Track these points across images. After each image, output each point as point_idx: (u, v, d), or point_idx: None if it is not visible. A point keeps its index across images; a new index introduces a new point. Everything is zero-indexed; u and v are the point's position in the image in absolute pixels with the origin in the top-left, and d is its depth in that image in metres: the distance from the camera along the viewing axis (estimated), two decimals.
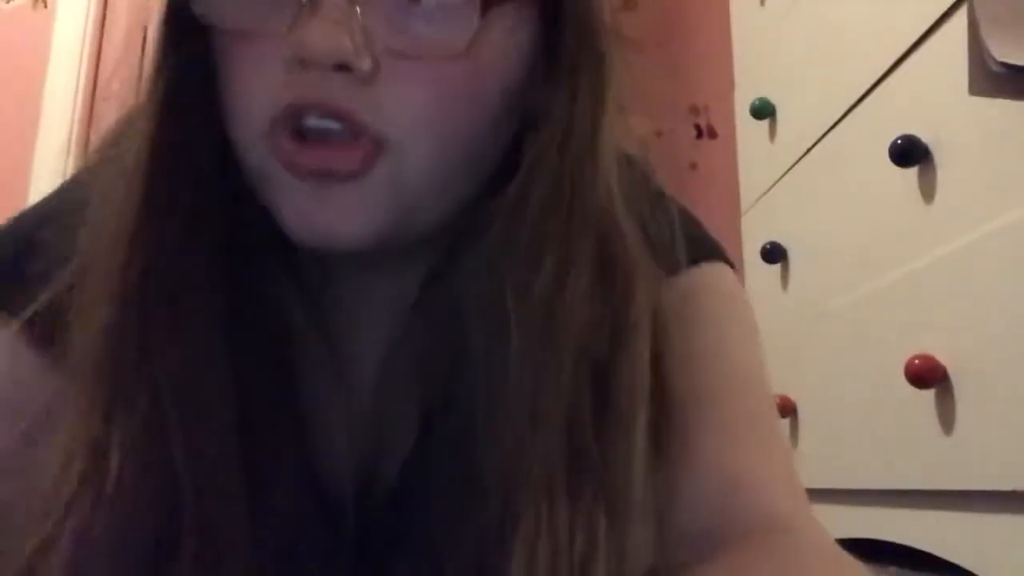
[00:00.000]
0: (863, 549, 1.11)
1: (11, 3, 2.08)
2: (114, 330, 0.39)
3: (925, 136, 0.93)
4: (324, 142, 0.37)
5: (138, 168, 0.40)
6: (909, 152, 0.93)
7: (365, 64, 0.36)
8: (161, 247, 0.40)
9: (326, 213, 0.38)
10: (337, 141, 0.37)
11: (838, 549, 0.45)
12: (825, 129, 1.20)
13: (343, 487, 0.46)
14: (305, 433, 0.45)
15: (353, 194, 0.38)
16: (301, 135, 0.37)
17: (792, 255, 1.32)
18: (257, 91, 0.38)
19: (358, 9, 0.36)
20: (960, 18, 0.85)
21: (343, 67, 0.36)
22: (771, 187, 1.41)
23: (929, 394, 0.90)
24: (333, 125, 0.37)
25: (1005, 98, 0.74)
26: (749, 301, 0.56)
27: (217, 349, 0.40)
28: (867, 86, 1.07)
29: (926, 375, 0.88)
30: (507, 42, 0.40)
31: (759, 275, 1.42)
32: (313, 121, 0.37)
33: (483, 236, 0.42)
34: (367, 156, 0.37)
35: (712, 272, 0.53)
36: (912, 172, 0.95)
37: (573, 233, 0.40)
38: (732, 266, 0.56)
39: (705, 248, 0.54)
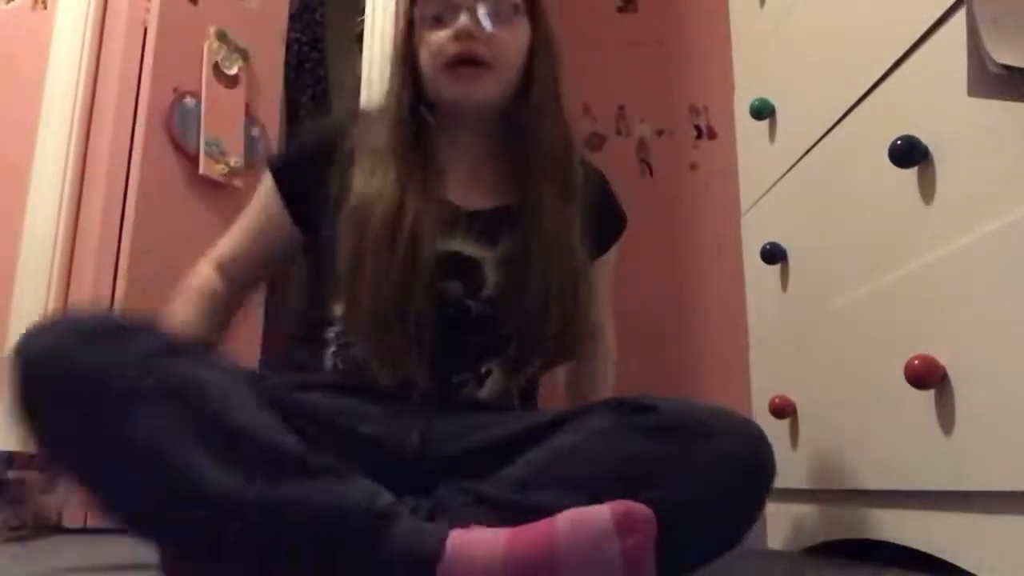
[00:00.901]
0: (863, 549, 1.11)
1: (11, 3, 2.08)
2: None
3: (925, 137, 0.93)
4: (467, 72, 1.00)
5: (388, 108, 1.05)
6: (909, 153, 0.94)
7: (483, 38, 0.99)
8: (394, 134, 1.01)
9: (468, 86, 1.00)
10: (471, 71, 1.00)
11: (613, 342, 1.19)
12: (825, 129, 1.20)
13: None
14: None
15: (478, 80, 1.00)
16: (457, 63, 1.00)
17: (792, 255, 1.32)
18: (443, 46, 0.99)
19: (469, 16, 0.98)
20: (959, 20, 0.85)
21: (473, 36, 0.98)
22: (771, 187, 1.41)
23: (929, 394, 0.90)
24: (471, 69, 0.99)
25: (1004, 99, 0.74)
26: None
27: (398, 173, 0.98)
28: (867, 87, 1.08)
29: (926, 375, 0.88)
30: (525, 30, 1.04)
31: (759, 275, 1.43)
32: (464, 57, 0.99)
33: (518, 116, 1.04)
34: (486, 66, 0.99)
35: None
36: (912, 173, 0.96)
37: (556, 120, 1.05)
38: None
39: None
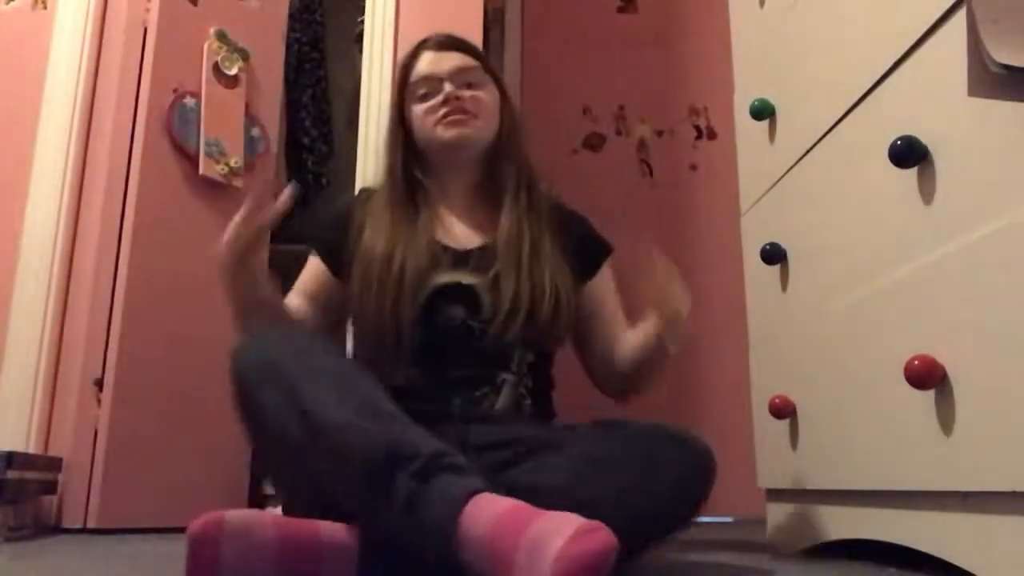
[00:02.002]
0: (863, 549, 1.11)
1: (11, 3, 2.08)
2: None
3: (924, 137, 0.93)
4: (458, 119, 1.28)
5: (388, 181, 1.32)
6: (908, 153, 0.94)
7: (465, 97, 1.29)
8: (391, 195, 1.29)
9: (462, 129, 1.27)
10: (461, 117, 1.28)
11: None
12: (825, 129, 1.20)
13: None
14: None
15: (470, 123, 1.28)
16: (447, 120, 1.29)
17: (792, 255, 1.32)
18: (435, 108, 1.28)
19: (452, 85, 1.28)
20: (959, 19, 0.85)
21: (460, 97, 1.28)
22: (771, 187, 1.41)
23: (929, 395, 0.90)
24: (461, 116, 1.28)
25: (1004, 99, 0.74)
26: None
27: (392, 226, 1.24)
28: (867, 87, 1.08)
29: (926, 376, 0.88)
30: (494, 92, 1.34)
31: (759, 275, 1.43)
32: (456, 110, 1.28)
33: (497, 163, 1.33)
34: (473, 115, 1.28)
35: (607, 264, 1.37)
36: (911, 173, 0.96)
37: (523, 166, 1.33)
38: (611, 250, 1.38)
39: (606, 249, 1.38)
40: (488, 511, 0.80)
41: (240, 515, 0.85)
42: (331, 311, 1.30)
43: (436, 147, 1.29)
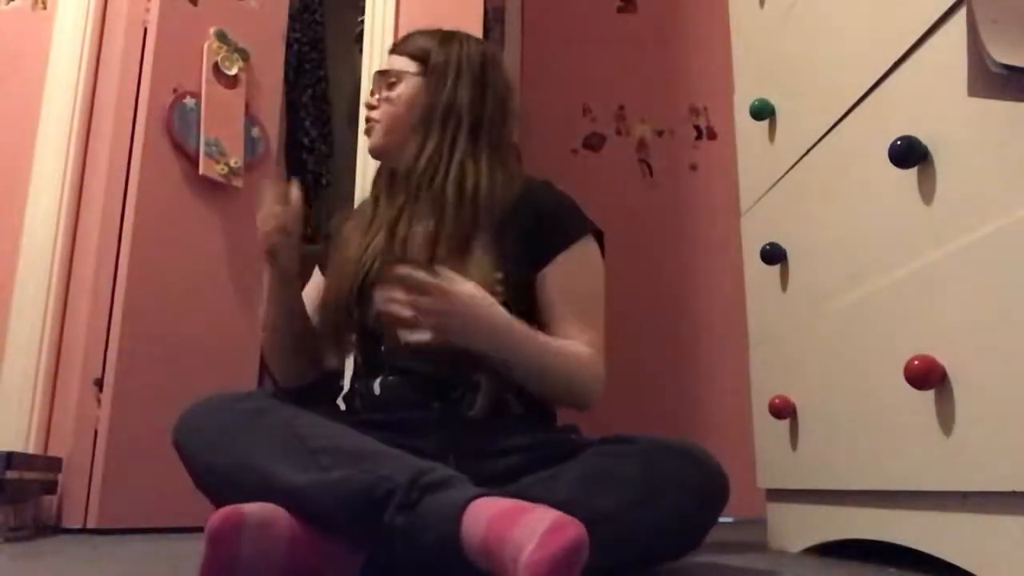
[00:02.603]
0: (863, 549, 1.11)
1: (11, 3, 2.08)
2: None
3: (924, 137, 0.93)
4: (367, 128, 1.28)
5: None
6: (908, 153, 0.94)
7: (376, 103, 1.26)
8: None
9: (369, 143, 1.26)
10: (367, 127, 1.27)
11: (594, 357, 1.14)
12: (825, 129, 1.20)
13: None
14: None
15: (372, 136, 1.25)
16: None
17: (792, 255, 1.32)
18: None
19: (378, 96, 1.26)
20: (959, 20, 0.85)
21: (369, 106, 1.27)
22: (771, 187, 1.41)
23: (929, 394, 0.90)
24: (367, 126, 1.27)
25: (1004, 99, 0.74)
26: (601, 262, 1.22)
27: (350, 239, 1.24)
28: (867, 87, 1.08)
29: (926, 375, 0.88)
30: (410, 90, 1.24)
31: (759, 275, 1.43)
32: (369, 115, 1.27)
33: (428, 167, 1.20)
34: (378, 125, 1.24)
35: (586, 243, 1.20)
36: (911, 173, 0.96)
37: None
38: (599, 233, 1.22)
39: (586, 226, 1.21)
40: (481, 517, 0.80)
41: (257, 510, 0.85)
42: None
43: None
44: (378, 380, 1.14)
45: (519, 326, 1.08)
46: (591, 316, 1.16)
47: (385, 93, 1.24)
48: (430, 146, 1.19)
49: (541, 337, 1.11)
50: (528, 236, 1.15)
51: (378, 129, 1.23)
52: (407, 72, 1.24)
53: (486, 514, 0.80)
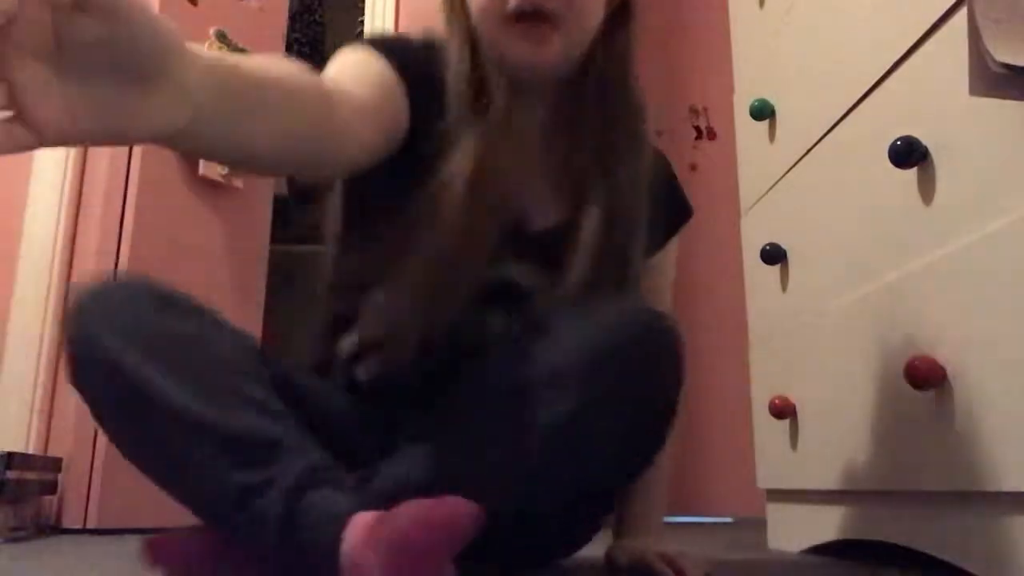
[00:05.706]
0: (863, 549, 1.11)
1: None
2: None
3: (924, 137, 0.93)
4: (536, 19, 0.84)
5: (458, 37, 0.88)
6: (908, 153, 0.93)
7: None
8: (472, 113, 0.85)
9: (537, 49, 0.84)
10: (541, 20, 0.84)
11: (653, 313, 0.89)
12: (825, 130, 1.20)
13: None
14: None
15: (548, 42, 0.84)
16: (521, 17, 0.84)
17: (792, 256, 1.32)
18: (503, 4, 0.83)
19: None
20: (960, 19, 0.85)
21: None
22: (771, 188, 1.41)
23: (929, 394, 0.90)
24: (538, 11, 0.83)
25: (1005, 98, 0.74)
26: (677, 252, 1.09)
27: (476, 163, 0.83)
28: (867, 87, 1.08)
29: (926, 376, 0.88)
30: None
31: (759, 275, 1.43)
32: (527, 10, 0.83)
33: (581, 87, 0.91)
34: (555, 22, 0.83)
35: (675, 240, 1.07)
36: (911, 173, 0.96)
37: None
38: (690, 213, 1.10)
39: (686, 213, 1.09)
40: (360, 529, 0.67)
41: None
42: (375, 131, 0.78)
43: (495, 62, 0.86)
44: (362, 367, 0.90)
45: (658, 507, 1.03)
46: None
47: None
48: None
49: (655, 487, 1.00)
50: (655, 216, 0.93)
51: (559, 38, 0.85)
52: None
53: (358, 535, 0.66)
